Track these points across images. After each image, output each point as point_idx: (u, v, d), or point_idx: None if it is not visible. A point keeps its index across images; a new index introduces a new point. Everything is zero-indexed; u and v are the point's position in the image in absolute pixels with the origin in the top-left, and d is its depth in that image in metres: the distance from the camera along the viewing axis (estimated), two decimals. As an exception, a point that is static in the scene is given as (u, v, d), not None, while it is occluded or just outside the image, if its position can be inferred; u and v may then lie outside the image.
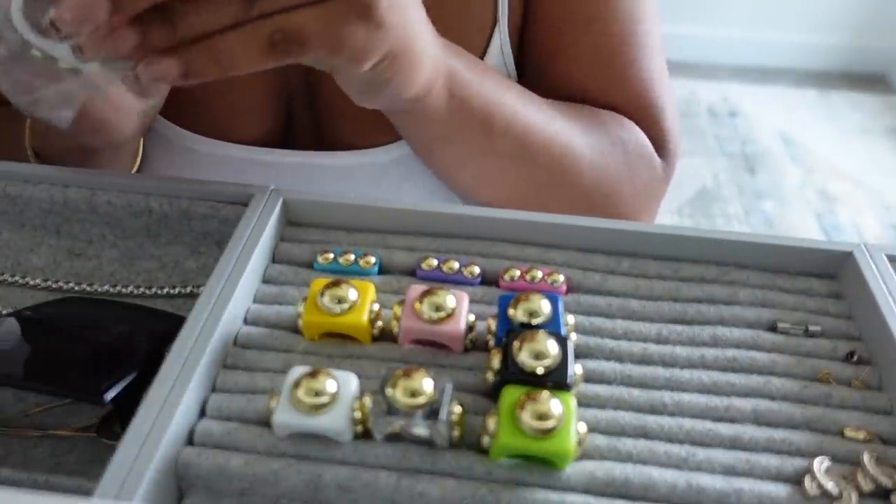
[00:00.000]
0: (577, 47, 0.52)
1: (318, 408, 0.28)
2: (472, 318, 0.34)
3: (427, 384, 0.28)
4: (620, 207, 0.52)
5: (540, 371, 0.29)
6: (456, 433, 0.29)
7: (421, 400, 0.28)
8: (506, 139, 0.47)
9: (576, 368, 0.30)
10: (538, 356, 0.29)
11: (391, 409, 0.28)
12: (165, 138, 0.51)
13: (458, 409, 0.29)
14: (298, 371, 0.30)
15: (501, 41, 0.51)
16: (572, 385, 0.30)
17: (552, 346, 0.30)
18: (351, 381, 0.30)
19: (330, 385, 0.29)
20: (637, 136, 0.52)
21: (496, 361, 0.31)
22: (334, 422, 0.28)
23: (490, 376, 0.31)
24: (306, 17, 0.31)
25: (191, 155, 0.51)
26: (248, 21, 0.31)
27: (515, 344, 0.30)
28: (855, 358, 0.35)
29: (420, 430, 0.28)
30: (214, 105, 0.50)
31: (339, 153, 0.51)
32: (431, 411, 0.28)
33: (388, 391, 0.28)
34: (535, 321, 0.32)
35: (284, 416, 0.29)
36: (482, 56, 0.51)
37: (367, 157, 0.51)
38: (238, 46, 0.31)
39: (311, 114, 0.52)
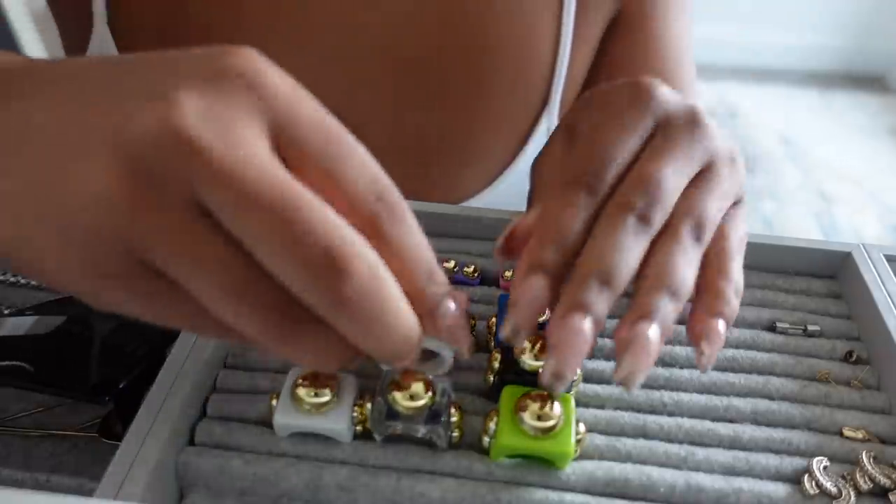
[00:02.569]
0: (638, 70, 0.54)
1: (318, 408, 0.29)
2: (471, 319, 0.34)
3: (426, 388, 0.28)
4: None
5: (539, 371, 0.29)
6: (456, 434, 0.29)
7: (420, 403, 0.28)
8: None
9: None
10: (538, 356, 0.30)
11: (391, 413, 0.28)
12: None
13: (456, 411, 0.29)
14: (299, 371, 0.30)
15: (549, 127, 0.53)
16: (572, 385, 0.30)
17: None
18: (351, 382, 0.30)
19: (330, 385, 0.29)
20: None
21: (496, 362, 0.31)
22: (335, 422, 0.28)
23: (490, 377, 0.31)
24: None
25: None
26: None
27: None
28: (853, 358, 0.35)
29: (420, 433, 0.28)
30: None
31: None
32: (431, 414, 0.28)
33: (389, 395, 0.28)
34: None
35: (285, 417, 0.29)
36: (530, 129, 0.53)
37: None
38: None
39: None
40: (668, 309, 0.27)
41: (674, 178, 0.30)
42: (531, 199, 0.34)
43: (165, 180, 0.20)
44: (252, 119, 0.22)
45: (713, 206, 0.30)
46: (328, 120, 0.24)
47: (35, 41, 1.95)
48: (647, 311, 0.26)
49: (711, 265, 0.30)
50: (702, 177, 0.31)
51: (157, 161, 0.20)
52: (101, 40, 0.48)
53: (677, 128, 0.31)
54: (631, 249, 0.27)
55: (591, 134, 0.32)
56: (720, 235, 0.31)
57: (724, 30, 2.45)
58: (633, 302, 0.27)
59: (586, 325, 0.26)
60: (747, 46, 2.53)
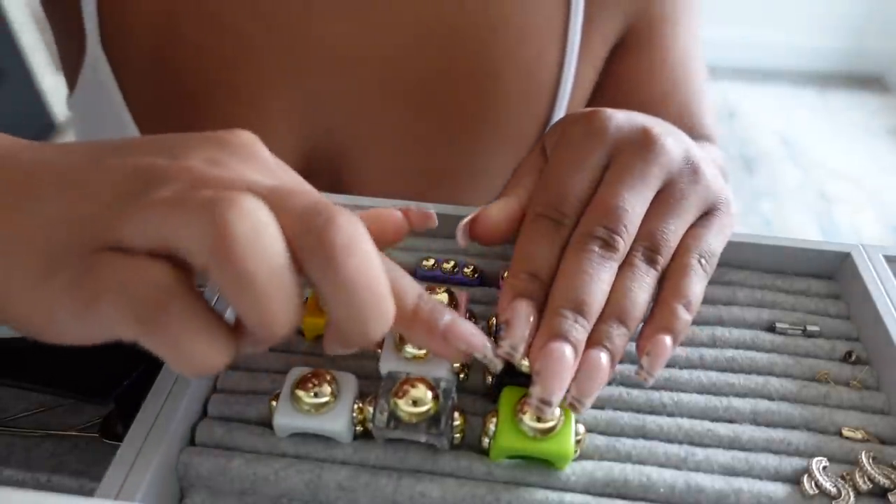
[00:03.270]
0: (652, 92, 0.54)
1: (318, 408, 0.29)
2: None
3: (429, 395, 0.28)
4: None
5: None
6: (458, 437, 0.29)
7: (423, 409, 0.28)
8: None
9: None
10: None
11: (392, 418, 0.28)
12: None
13: (458, 415, 0.29)
14: (299, 372, 0.30)
15: None
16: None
17: None
18: (351, 382, 0.30)
19: (330, 386, 0.29)
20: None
21: None
22: (335, 423, 0.29)
23: (489, 377, 0.31)
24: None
25: None
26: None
27: None
28: (853, 358, 0.35)
29: (422, 439, 0.28)
30: None
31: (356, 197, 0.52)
32: (433, 420, 0.28)
33: (391, 400, 0.28)
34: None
35: (285, 417, 0.29)
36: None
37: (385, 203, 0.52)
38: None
39: (330, 162, 0.52)
40: (617, 334, 0.29)
41: (632, 202, 0.31)
42: (502, 192, 0.35)
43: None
44: (255, 173, 0.26)
45: (669, 228, 0.32)
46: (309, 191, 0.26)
47: (35, 42, 1.95)
48: (598, 338, 0.29)
49: (667, 281, 0.31)
50: (660, 198, 0.33)
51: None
52: (95, 60, 0.48)
53: (631, 154, 0.33)
54: (597, 276, 0.30)
55: (552, 165, 0.34)
56: (680, 251, 0.32)
57: (724, 30, 2.45)
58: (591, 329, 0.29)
59: (566, 351, 0.28)
60: (746, 47, 2.53)
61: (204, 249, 0.21)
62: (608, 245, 0.30)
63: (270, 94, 0.48)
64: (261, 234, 0.22)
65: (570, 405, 0.28)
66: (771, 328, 0.36)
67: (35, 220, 0.24)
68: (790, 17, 2.50)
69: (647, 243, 0.31)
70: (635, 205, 0.31)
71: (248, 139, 0.27)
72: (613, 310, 0.30)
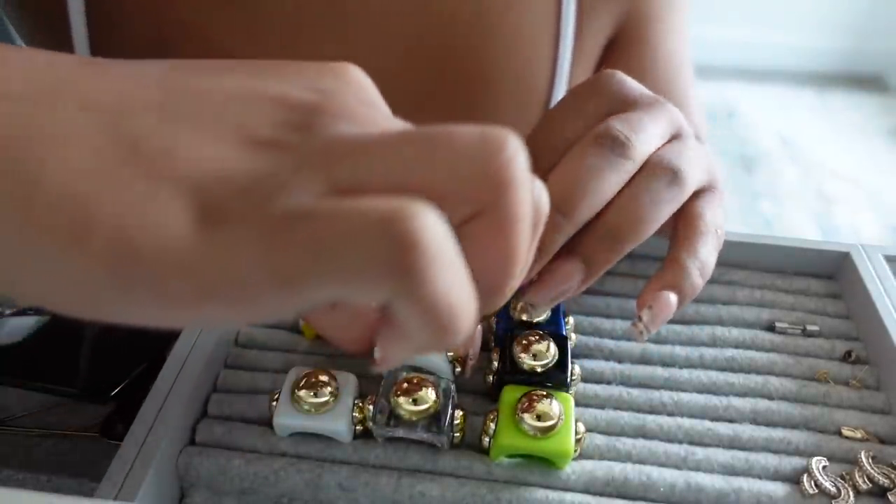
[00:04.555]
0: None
1: (318, 408, 0.29)
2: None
3: (430, 392, 0.28)
4: None
5: (539, 370, 0.30)
6: (458, 435, 0.29)
7: (424, 408, 0.28)
8: None
9: (574, 368, 0.30)
10: (537, 356, 0.30)
11: (393, 417, 0.28)
12: None
13: (459, 414, 0.29)
14: (299, 371, 0.30)
15: None
16: (571, 385, 0.30)
17: (551, 347, 0.30)
18: (351, 381, 0.30)
19: (330, 385, 0.29)
20: None
21: (495, 361, 0.31)
22: (335, 422, 0.29)
23: (489, 376, 0.31)
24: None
25: None
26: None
27: (514, 344, 0.30)
28: (852, 357, 0.35)
29: (423, 438, 0.28)
30: None
31: None
32: (434, 419, 0.28)
33: (392, 399, 0.28)
34: (535, 321, 0.32)
35: (285, 417, 0.29)
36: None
37: None
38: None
39: None
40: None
41: (648, 120, 0.30)
42: None
43: None
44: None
45: (685, 157, 0.30)
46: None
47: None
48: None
49: (682, 239, 0.30)
50: (672, 140, 0.31)
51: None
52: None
53: (636, 107, 0.32)
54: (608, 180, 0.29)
55: (545, 113, 0.33)
56: (693, 215, 0.31)
57: (723, 30, 2.45)
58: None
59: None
60: (746, 47, 2.53)
61: (488, 184, 0.18)
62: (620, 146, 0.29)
63: None
64: (530, 174, 0.19)
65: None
66: (771, 328, 0.36)
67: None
68: (789, 17, 2.50)
69: (664, 163, 0.30)
70: (651, 125, 0.30)
71: (364, 76, 0.23)
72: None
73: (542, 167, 0.31)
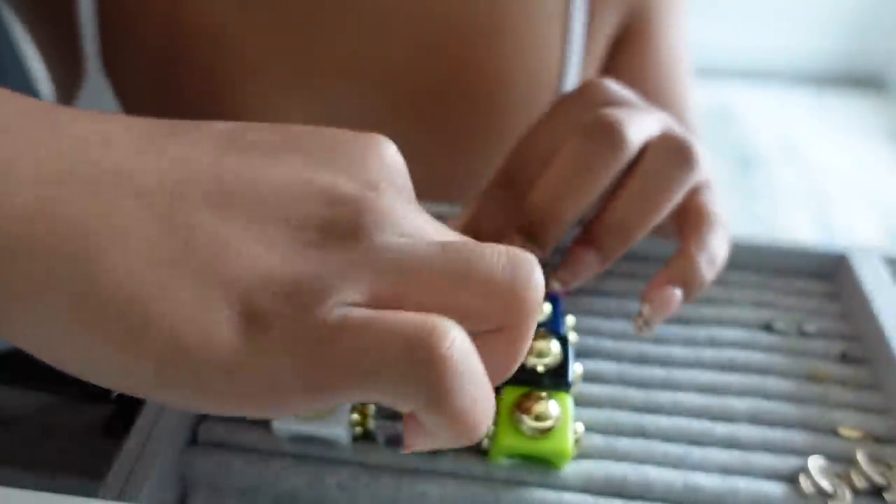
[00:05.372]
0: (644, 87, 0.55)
1: (316, 412, 0.29)
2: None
3: None
4: None
5: (540, 369, 0.30)
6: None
7: None
8: None
9: (576, 368, 0.31)
10: (539, 354, 0.30)
11: (394, 413, 0.28)
12: None
13: None
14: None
15: None
16: (572, 384, 0.30)
17: (553, 346, 0.30)
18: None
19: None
20: None
21: None
22: (332, 426, 0.29)
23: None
24: None
25: None
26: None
27: None
28: (849, 358, 0.35)
29: None
30: None
31: None
32: None
33: None
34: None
35: (283, 422, 0.29)
36: None
37: None
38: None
39: None
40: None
41: (638, 113, 0.31)
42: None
43: None
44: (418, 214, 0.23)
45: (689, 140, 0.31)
46: None
47: (34, 48, 1.95)
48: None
49: (690, 232, 0.30)
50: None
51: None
52: (96, 85, 0.47)
53: (633, 102, 0.33)
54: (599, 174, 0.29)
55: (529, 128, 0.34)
56: (698, 207, 0.31)
57: (721, 31, 2.46)
58: None
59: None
60: (744, 47, 2.53)
61: (507, 312, 0.19)
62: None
63: (277, 112, 0.48)
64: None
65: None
66: (768, 328, 0.36)
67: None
68: (788, 18, 2.50)
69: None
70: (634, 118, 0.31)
71: (396, 154, 0.23)
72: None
73: (528, 177, 0.32)
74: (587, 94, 0.33)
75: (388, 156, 0.22)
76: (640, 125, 0.31)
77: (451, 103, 0.50)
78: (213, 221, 0.18)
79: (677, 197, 0.30)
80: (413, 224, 0.21)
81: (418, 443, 0.20)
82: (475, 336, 0.19)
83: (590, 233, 0.31)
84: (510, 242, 0.30)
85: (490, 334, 0.20)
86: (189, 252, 0.17)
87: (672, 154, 0.30)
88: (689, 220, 0.31)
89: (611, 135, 0.29)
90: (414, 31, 0.47)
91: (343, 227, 0.19)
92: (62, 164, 0.17)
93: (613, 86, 0.33)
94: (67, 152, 0.17)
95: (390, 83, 0.48)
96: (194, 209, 0.18)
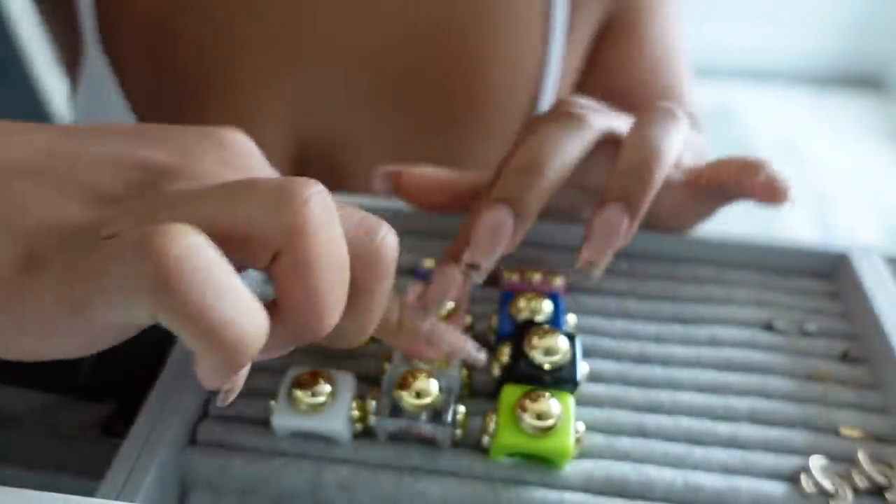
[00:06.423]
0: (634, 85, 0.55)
1: (315, 408, 0.29)
2: (468, 319, 0.34)
3: (433, 385, 0.28)
4: None
5: (547, 367, 0.30)
6: (459, 433, 0.29)
7: (427, 401, 0.28)
8: None
9: (582, 366, 0.31)
10: (549, 352, 0.30)
11: (395, 410, 0.28)
12: None
13: (461, 409, 0.29)
14: (296, 371, 0.30)
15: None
16: (580, 382, 0.30)
17: (562, 343, 0.30)
18: (349, 381, 0.30)
19: (328, 385, 0.29)
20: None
21: (504, 356, 0.31)
22: (332, 422, 0.29)
23: (496, 370, 0.31)
24: None
25: None
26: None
27: (527, 339, 0.30)
28: (850, 357, 0.35)
29: (424, 431, 0.28)
30: None
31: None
32: (435, 412, 0.28)
33: (394, 392, 0.28)
34: (536, 319, 0.33)
35: (283, 418, 0.29)
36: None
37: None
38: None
39: (325, 161, 0.53)
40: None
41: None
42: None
43: None
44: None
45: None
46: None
47: (36, 42, 1.95)
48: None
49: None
50: None
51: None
52: (94, 59, 0.48)
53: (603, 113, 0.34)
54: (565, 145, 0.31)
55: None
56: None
57: (721, 31, 2.46)
58: None
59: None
60: (744, 47, 2.53)
61: (280, 229, 0.20)
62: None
63: (265, 88, 0.49)
64: (334, 220, 0.21)
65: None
66: (769, 327, 0.36)
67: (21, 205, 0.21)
68: (788, 18, 2.50)
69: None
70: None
71: (245, 140, 0.27)
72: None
73: None
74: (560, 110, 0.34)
75: (227, 139, 0.25)
76: (606, 117, 0.32)
77: (432, 86, 0.50)
78: (24, 185, 0.21)
79: (675, 141, 0.31)
80: (220, 177, 0.23)
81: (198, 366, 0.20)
82: (270, 271, 0.21)
83: (608, 190, 0.30)
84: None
85: (275, 266, 0.20)
86: None
87: (653, 115, 0.31)
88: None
89: (572, 116, 0.31)
90: (399, 11, 0.48)
91: (146, 185, 0.22)
92: None
93: (587, 102, 0.34)
94: None
95: (374, 64, 0.49)
96: (13, 177, 0.21)
